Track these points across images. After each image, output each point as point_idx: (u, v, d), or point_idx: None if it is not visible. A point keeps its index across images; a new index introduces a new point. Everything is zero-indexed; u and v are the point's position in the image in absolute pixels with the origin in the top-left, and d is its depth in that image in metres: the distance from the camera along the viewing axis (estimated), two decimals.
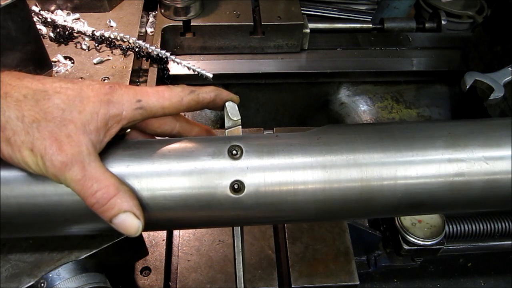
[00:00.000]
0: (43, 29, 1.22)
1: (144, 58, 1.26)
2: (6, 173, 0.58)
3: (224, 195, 0.60)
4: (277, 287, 0.89)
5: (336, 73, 1.47)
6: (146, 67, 1.29)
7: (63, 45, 1.21)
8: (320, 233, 0.97)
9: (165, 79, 1.34)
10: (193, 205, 0.61)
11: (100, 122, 0.57)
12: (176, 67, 1.28)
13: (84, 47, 1.20)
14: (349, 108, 1.61)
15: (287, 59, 1.46)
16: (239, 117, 0.68)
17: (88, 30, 1.21)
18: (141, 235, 0.69)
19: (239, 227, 0.68)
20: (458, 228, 1.22)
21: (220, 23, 1.37)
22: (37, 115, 0.54)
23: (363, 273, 1.25)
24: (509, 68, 1.15)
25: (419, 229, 1.12)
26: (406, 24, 1.60)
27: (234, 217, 0.64)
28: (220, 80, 1.44)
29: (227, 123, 0.68)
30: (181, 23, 1.37)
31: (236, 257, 0.67)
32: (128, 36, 1.20)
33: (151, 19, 1.42)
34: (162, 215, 0.62)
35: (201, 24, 1.37)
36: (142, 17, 1.33)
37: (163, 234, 0.95)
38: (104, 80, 1.13)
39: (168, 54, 1.22)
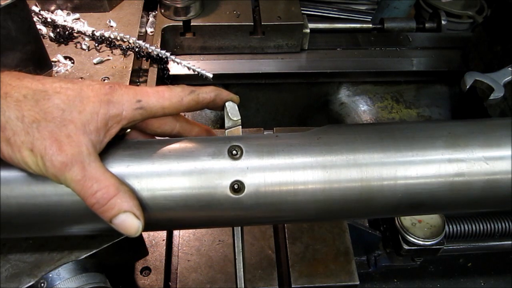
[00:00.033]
0: (43, 29, 1.22)
1: (144, 58, 1.26)
2: (6, 173, 0.58)
3: (224, 195, 0.60)
4: (277, 287, 0.89)
5: (336, 73, 1.47)
6: (146, 67, 1.29)
7: (63, 45, 1.21)
8: (320, 233, 0.97)
9: (165, 79, 1.34)
10: (193, 205, 0.61)
11: (100, 122, 0.57)
12: (176, 67, 1.28)
13: (84, 47, 1.20)
14: (349, 108, 1.61)
15: (287, 59, 1.46)
16: (239, 117, 0.68)
17: (88, 30, 1.21)
18: (141, 235, 0.69)
19: (239, 227, 0.68)
20: (458, 228, 1.22)
21: (220, 23, 1.37)
22: (37, 115, 0.54)
23: (363, 273, 1.25)
24: (509, 68, 1.15)
25: (419, 229, 1.12)
26: (406, 24, 1.60)
27: (234, 217, 0.64)
28: (220, 80, 1.44)
29: (227, 123, 0.68)
30: (181, 23, 1.37)
31: (236, 257, 0.67)
32: (128, 36, 1.20)
33: (151, 19, 1.42)
34: (162, 215, 0.62)
35: (201, 24, 1.37)
36: (142, 17, 1.33)
37: (163, 234, 0.95)
38: (104, 80, 1.13)
39: (168, 54, 1.22)
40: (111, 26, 1.27)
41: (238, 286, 0.67)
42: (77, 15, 1.26)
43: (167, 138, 0.68)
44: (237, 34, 1.40)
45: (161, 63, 1.30)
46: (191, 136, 0.70)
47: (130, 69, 1.16)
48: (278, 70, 1.44)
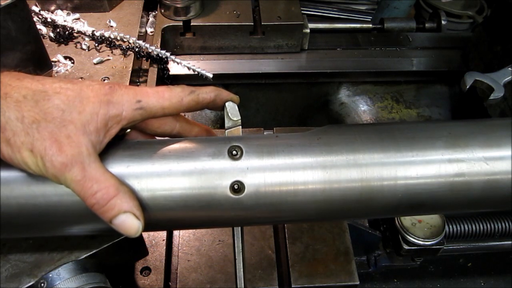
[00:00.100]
0: (43, 29, 1.22)
1: (144, 58, 1.26)
2: (6, 174, 0.58)
3: (224, 195, 0.60)
4: (277, 287, 0.89)
5: (336, 73, 1.47)
6: (146, 67, 1.29)
7: (63, 45, 1.21)
8: (320, 233, 0.97)
9: (165, 79, 1.34)
10: (193, 206, 0.61)
11: (100, 123, 0.57)
12: (176, 67, 1.28)
13: (84, 47, 1.20)
14: (349, 108, 1.61)
15: (287, 59, 1.46)
16: (239, 117, 0.68)
17: (88, 30, 1.21)
18: (141, 235, 0.69)
19: (239, 227, 0.68)
20: (458, 228, 1.22)
21: (220, 23, 1.37)
22: (37, 115, 0.54)
23: (363, 273, 1.25)
24: (509, 68, 1.15)
25: (419, 229, 1.12)
26: (406, 24, 1.60)
27: (234, 218, 0.64)
28: (220, 80, 1.44)
29: (227, 123, 0.68)
30: (181, 23, 1.37)
31: (236, 257, 0.67)
32: (128, 36, 1.20)
33: (151, 19, 1.42)
34: (162, 216, 0.62)
35: (201, 24, 1.37)
36: (142, 17, 1.33)
37: (163, 234, 0.95)
38: (104, 80, 1.13)
39: (168, 54, 1.22)
40: (111, 26, 1.26)
41: (238, 286, 0.67)
42: (77, 15, 1.26)
43: (167, 138, 0.68)
44: (237, 34, 1.40)
45: (161, 63, 1.30)
46: (191, 136, 0.70)
47: (130, 69, 1.16)
48: (278, 70, 1.44)
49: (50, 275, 0.65)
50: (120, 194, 0.56)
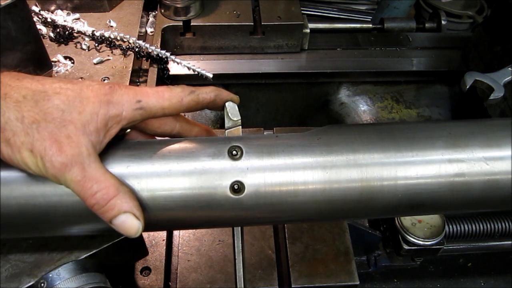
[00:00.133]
0: (43, 29, 1.22)
1: (144, 58, 1.26)
2: (6, 174, 0.58)
3: (224, 195, 0.60)
4: (277, 287, 0.89)
5: (336, 73, 1.47)
6: (146, 67, 1.29)
7: (63, 45, 1.21)
8: (320, 233, 0.97)
9: (165, 79, 1.34)
10: (193, 206, 0.61)
11: (100, 123, 0.57)
12: (176, 67, 1.28)
13: (84, 47, 1.20)
14: (349, 108, 1.61)
15: (287, 59, 1.46)
16: (239, 117, 0.68)
17: (88, 30, 1.21)
18: (141, 235, 0.69)
19: (239, 227, 0.68)
20: (458, 228, 1.22)
21: (220, 23, 1.37)
22: (37, 116, 0.54)
23: (363, 273, 1.25)
24: (509, 68, 1.15)
25: (419, 229, 1.12)
26: (406, 24, 1.60)
27: (234, 218, 0.64)
28: (220, 80, 1.44)
29: (227, 123, 0.68)
30: (181, 23, 1.37)
31: (236, 257, 0.67)
32: (128, 36, 1.20)
33: (151, 19, 1.42)
34: (162, 216, 0.62)
35: (201, 24, 1.37)
36: (142, 17, 1.33)
37: (163, 234, 0.95)
38: (104, 80, 1.13)
39: (168, 54, 1.22)
40: (111, 26, 1.26)
41: (238, 286, 0.67)
42: (77, 15, 1.26)
43: (167, 138, 0.68)
44: (237, 34, 1.40)
45: (161, 63, 1.30)
46: (191, 136, 0.70)
47: (130, 69, 1.16)
48: (278, 70, 1.44)
49: (50, 275, 0.65)
50: (120, 194, 0.56)
